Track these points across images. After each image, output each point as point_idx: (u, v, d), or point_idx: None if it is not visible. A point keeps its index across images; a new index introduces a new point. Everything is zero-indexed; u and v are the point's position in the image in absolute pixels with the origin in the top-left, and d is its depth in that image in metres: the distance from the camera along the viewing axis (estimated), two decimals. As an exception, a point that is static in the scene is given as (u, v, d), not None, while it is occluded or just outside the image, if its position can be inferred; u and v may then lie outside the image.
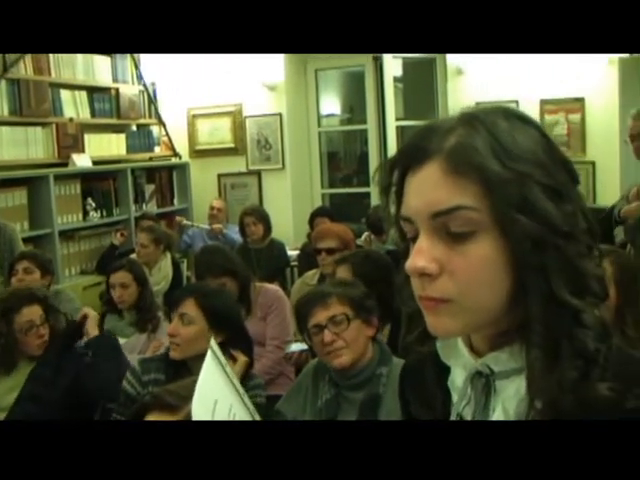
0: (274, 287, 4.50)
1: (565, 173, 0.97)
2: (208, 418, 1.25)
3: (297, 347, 3.95)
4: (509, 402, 0.99)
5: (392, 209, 1.03)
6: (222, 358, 1.40)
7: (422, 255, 0.94)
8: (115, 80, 7.09)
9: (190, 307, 2.88)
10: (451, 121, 0.97)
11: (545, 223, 0.91)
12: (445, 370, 1.10)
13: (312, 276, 4.65)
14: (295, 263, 6.49)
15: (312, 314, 2.65)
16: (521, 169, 0.92)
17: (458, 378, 1.07)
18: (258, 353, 3.74)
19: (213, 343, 1.39)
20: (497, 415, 1.00)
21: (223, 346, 2.90)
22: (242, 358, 2.89)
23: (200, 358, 2.81)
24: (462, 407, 1.05)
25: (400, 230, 1.03)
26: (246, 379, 2.87)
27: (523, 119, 0.98)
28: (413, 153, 0.98)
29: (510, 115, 0.98)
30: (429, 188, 0.95)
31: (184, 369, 2.79)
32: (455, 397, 1.07)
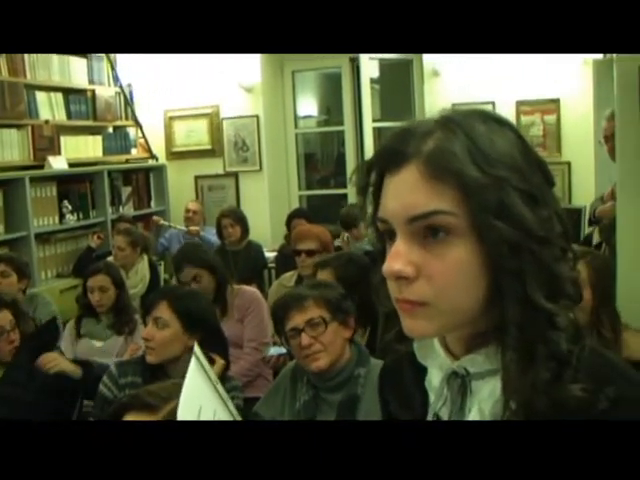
0: (252, 289, 4.50)
1: (541, 175, 0.98)
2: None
3: (275, 351, 3.94)
4: (485, 403, 1.00)
5: (369, 210, 1.04)
6: (206, 364, 1.40)
7: (399, 258, 0.95)
8: (91, 82, 7.04)
9: (164, 310, 2.87)
10: (429, 124, 0.98)
11: (521, 228, 0.92)
12: (423, 370, 1.11)
13: (289, 278, 4.65)
14: (273, 265, 6.48)
15: (289, 317, 2.64)
16: (498, 174, 0.93)
17: (435, 378, 1.08)
18: (235, 355, 3.74)
19: (197, 349, 1.39)
20: (473, 415, 1.01)
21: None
22: (219, 361, 2.88)
23: (177, 361, 2.82)
24: (439, 407, 1.06)
25: (377, 230, 1.04)
26: (223, 381, 2.85)
27: (499, 122, 0.99)
28: (391, 156, 0.98)
29: (487, 118, 0.98)
30: (407, 192, 0.95)
31: (161, 372, 2.78)
32: (432, 397, 1.08)
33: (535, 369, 0.93)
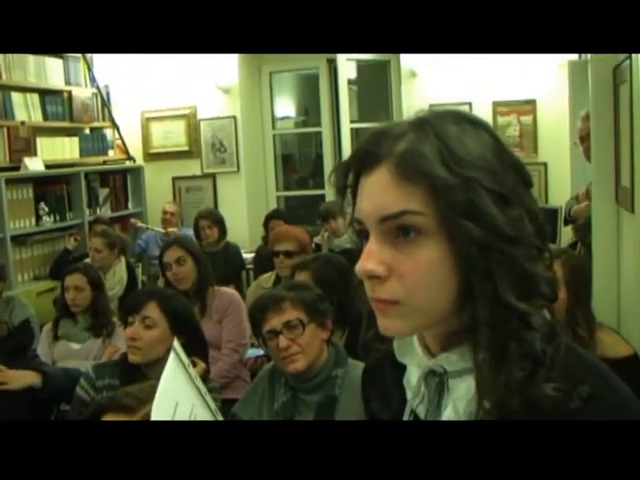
0: (230, 290, 4.50)
1: (515, 176, 0.99)
2: (168, 419, 1.24)
3: (253, 353, 3.95)
4: (459, 401, 1.00)
5: (349, 210, 1.06)
6: (185, 359, 1.40)
7: (371, 258, 0.97)
8: (68, 83, 7.00)
9: (153, 310, 2.85)
10: (403, 126, 0.99)
11: (490, 228, 0.93)
12: (403, 369, 1.12)
13: (267, 279, 4.65)
14: (251, 266, 6.47)
15: (266, 319, 2.64)
16: (468, 175, 0.93)
17: (413, 376, 1.09)
18: (214, 357, 3.73)
19: (176, 344, 1.38)
20: (448, 413, 1.02)
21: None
22: (201, 364, 2.87)
23: (155, 363, 2.80)
24: (416, 405, 1.07)
25: (355, 230, 1.05)
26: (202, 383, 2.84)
27: (474, 123, 1.00)
28: (365, 157, 1.00)
29: (461, 119, 0.99)
30: (378, 192, 0.97)
31: (139, 374, 2.76)
32: (409, 395, 1.10)
33: (508, 368, 0.93)
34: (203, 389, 1.43)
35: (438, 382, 1.04)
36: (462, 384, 1.01)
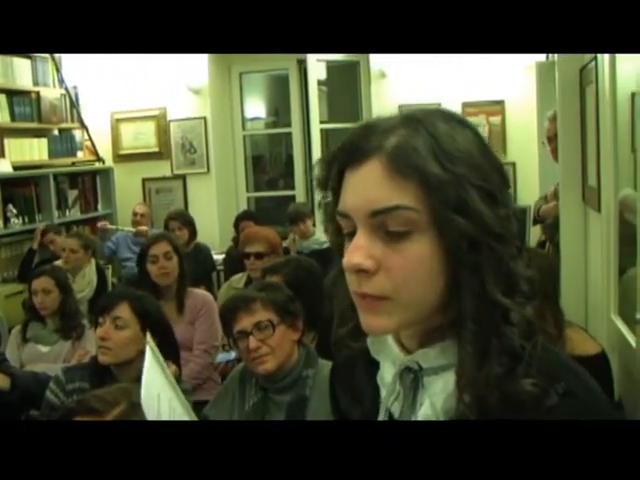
0: (202, 292, 4.49)
1: (499, 176, 1.00)
2: (155, 412, 1.25)
3: (224, 357, 3.94)
4: (436, 397, 1.01)
5: (330, 205, 1.05)
6: (159, 354, 1.40)
7: (359, 251, 0.96)
8: (36, 83, 6.94)
9: (124, 311, 2.83)
10: (391, 121, 0.99)
11: (480, 224, 0.94)
12: (375, 366, 1.12)
13: (239, 280, 4.64)
14: (221, 267, 6.46)
15: (237, 320, 2.63)
16: (459, 171, 0.94)
17: (387, 374, 1.09)
18: (185, 358, 3.72)
19: (149, 339, 1.39)
20: (424, 410, 1.02)
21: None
22: (172, 367, 2.86)
23: (128, 364, 2.78)
24: (390, 402, 1.07)
25: (335, 226, 1.05)
26: (173, 385, 2.84)
27: (461, 122, 1.01)
28: (353, 151, 0.99)
29: (449, 118, 1.00)
30: (369, 186, 0.96)
31: (109, 377, 2.75)
32: (384, 392, 1.09)
33: (489, 364, 0.95)
34: (174, 383, 1.44)
35: (413, 379, 1.04)
36: (438, 381, 1.01)
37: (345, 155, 1.00)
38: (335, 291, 1.10)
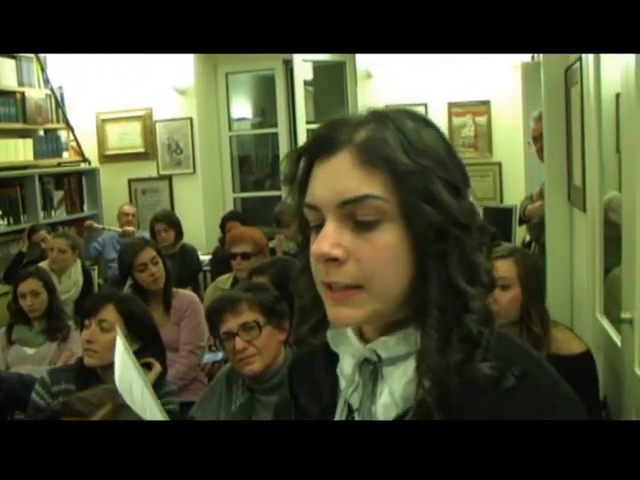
0: (188, 292, 4.49)
1: (461, 174, 1.03)
2: (129, 400, 1.25)
3: (210, 358, 3.94)
4: (395, 385, 1.03)
5: (296, 199, 1.06)
6: (128, 346, 1.40)
7: (328, 240, 0.97)
8: (21, 84, 6.90)
9: (110, 313, 2.83)
10: (361, 116, 1.02)
11: (447, 214, 0.97)
12: (334, 360, 1.13)
13: (225, 280, 4.64)
14: (208, 268, 6.45)
15: (223, 321, 2.63)
16: (426, 164, 0.97)
17: (347, 366, 1.11)
18: (172, 359, 3.71)
19: (118, 331, 1.39)
20: (384, 398, 1.04)
21: (139, 353, 2.86)
22: (157, 367, 2.86)
23: (112, 366, 2.76)
24: (349, 393, 1.08)
25: (301, 220, 1.06)
26: (159, 386, 2.83)
27: (426, 122, 1.04)
28: (323, 143, 1.01)
29: (415, 117, 1.03)
30: (339, 177, 0.98)
31: (95, 378, 2.74)
32: (343, 384, 1.11)
33: (450, 350, 0.97)
34: (144, 377, 1.44)
35: (372, 370, 1.06)
36: (396, 371, 1.03)
37: (315, 148, 1.02)
38: (296, 288, 1.12)
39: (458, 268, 0.98)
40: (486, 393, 0.96)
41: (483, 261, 1.02)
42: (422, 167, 0.96)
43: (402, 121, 1.00)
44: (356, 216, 0.97)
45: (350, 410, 1.09)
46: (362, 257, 0.97)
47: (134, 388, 1.30)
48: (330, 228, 0.98)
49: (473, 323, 0.98)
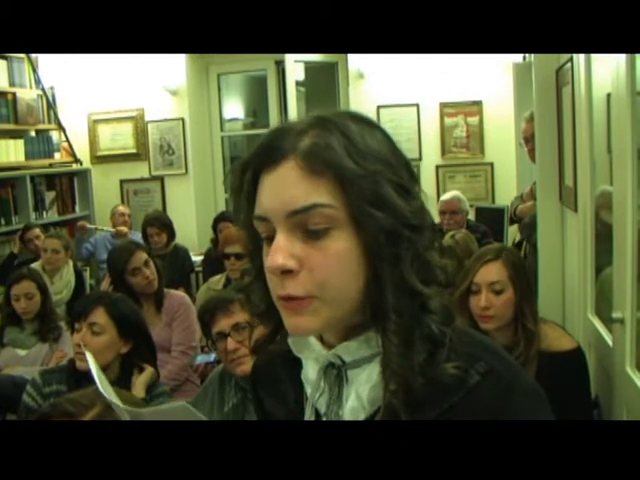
0: (179, 293, 4.48)
1: (408, 172, 1.02)
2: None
3: (203, 359, 3.93)
4: (362, 388, 1.03)
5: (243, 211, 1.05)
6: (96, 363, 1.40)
7: (281, 252, 0.97)
8: (12, 84, 6.88)
9: (100, 316, 2.82)
10: (303, 123, 1.01)
11: (397, 217, 0.97)
12: (297, 365, 1.14)
13: (217, 281, 4.63)
14: (200, 269, 6.44)
15: (215, 321, 2.63)
16: (372, 167, 0.97)
17: (311, 371, 1.11)
18: (163, 359, 3.71)
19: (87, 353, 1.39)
20: (351, 402, 1.04)
21: (130, 355, 2.85)
22: (149, 368, 2.86)
23: (104, 369, 2.76)
24: (316, 399, 1.08)
25: (251, 231, 1.05)
26: (151, 387, 2.83)
27: (370, 123, 1.03)
28: (267, 153, 1.00)
29: (358, 119, 1.02)
30: (285, 187, 0.97)
31: (86, 379, 2.72)
32: (309, 390, 1.11)
33: (412, 351, 0.97)
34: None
35: (337, 374, 1.06)
36: (362, 374, 1.03)
37: (260, 158, 1.01)
38: (250, 299, 1.12)
39: (412, 269, 0.98)
40: (452, 392, 0.97)
41: (437, 259, 1.02)
42: (369, 171, 0.96)
43: (346, 125, 0.99)
44: (306, 225, 0.97)
45: (318, 415, 1.09)
46: (314, 266, 0.97)
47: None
48: (281, 240, 0.97)
49: (434, 323, 0.99)
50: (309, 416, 1.09)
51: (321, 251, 0.97)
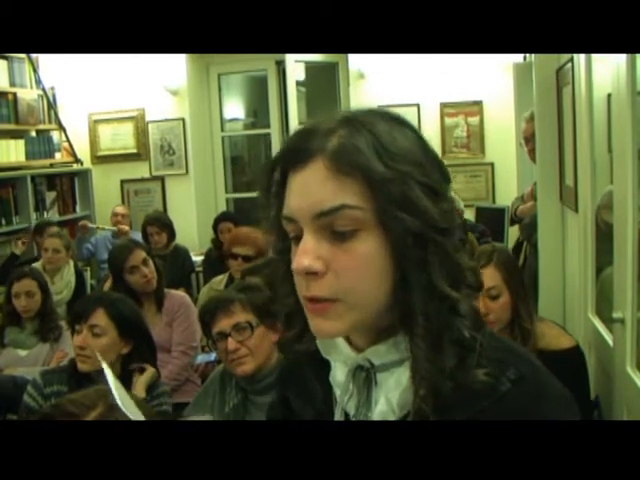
0: (180, 293, 4.49)
1: (439, 172, 1.01)
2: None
3: (203, 358, 3.93)
4: (392, 393, 1.02)
5: (272, 211, 1.05)
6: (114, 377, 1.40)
7: (308, 254, 0.96)
8: (12, 84, 6.88)
9: (100, 318, 2.81)
10: (331, 122, 0.99)
11: (425, 220, 0.95)
12: (324, 366, 1.13)
13: (219, 281, 4.64)
14: (200, 269, 6.44)
15: (216, 321, 2.63)
16: (402, 168, 0.95)
17: (339, 373, 1.10)
18: (164, 360, 3.71)
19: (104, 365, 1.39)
20: (380, 406, 1.03)
21: (130, 355, 2.85)
22: (150, 369, 2.85)
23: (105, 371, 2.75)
24: (346, 401, 1.07)
25: (279, 231, 1.05)
26: (151, 387, 2.83)
27: (400, 121, 1.02)
28: (295, 153, 0.99)
29: (388, 117, 1.01)
30: (313, 188, 0.96)
31: (87, 380, 2.73)
32: (338, 392, 1.10)
33: (442, 356, 0.96)
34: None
35: (365, 377, 1.05)
36: (391, 377, 1.02)
37: (287, 158, 1.00)
38: (278, 296, 1.11)
39: (440, 272, 0.96)
40: (482, 398, 0.96)
41: (466, 261, 1.01)
42: (398, 173, 0.94)
43: (374, 124, 0.98)
44: (333, 227, 0.96)
45: (347, 417, 1.08)
46: (340, 269, 0.96)
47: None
48: (308, 241, 0.97)
49: (464, 327, 0.98)
50: (339, 418, 1.09)
51: (348, 253, 0.96)
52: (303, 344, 1.11)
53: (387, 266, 0.96)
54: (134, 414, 1.25)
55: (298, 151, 0.98)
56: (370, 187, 0.94)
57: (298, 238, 0.99)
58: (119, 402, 1.26)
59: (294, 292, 1.03)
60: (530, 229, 4.64)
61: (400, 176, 0.94)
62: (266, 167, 1.05)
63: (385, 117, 1.00)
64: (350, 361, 1.07)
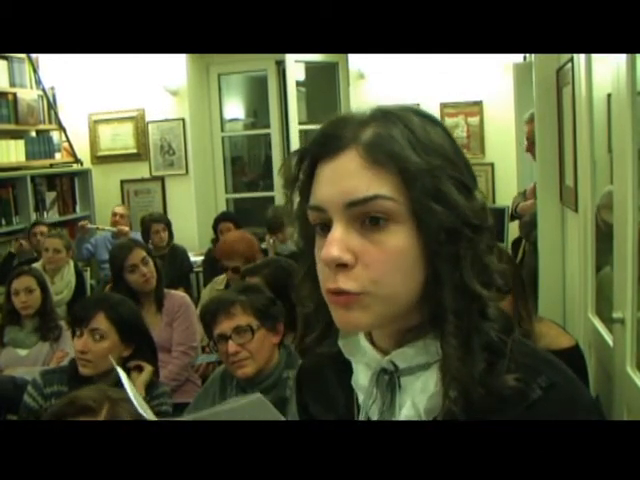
0: (180, 293, 4.49)
1: (469, 173, 0.99)
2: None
3: (205, 358, 3.93)
4: (418, 397, 0.99)
5: (296, 203, 1.03)
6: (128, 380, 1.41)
7: (337, 244, 0.93)
8: (12, 84, 6.88)
9: (101, 322, 2.81)
10: (364, 114, 0.98)
11: (458, 215, 0.93)
12: (346, 369, 1.10)
13: (221, 281, 4.65)
14: (200, 269, 6.44)
15: (217, 323, 2.63)
16: (435, 162, 0.93)
17: (362, 377, 1.07)
18: (164, 360, 3.71)
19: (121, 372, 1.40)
20: (406, 410, 1.00)
21: (131, 357, 2.84)
22: (148, 367, 2.85)
23: (106, 373, 2.75)
24: (369, 406, 1.04)
25: (303, 224, 1.03)
26: (151, 387, 2.83)
27: (432, 118, 1.00)
28: (328, 142, 0.97)
29: (422, 114, 0.99)
30: (345, 177, 0.94)
31: (87, 380, 2.72)
32: (361, 396, 1.07)
33: (472, 358, 0.94)
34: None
35: (389, 381, 1.02)
36: (417, 381, 1.00)
37: (319, 148, 0.98)
38: (299, 296, 1.08)
39: (472, 271, 0.94)
40: (512, 405, 0.93)
41: (495, 263, 0.98)
42: (432, 166, 0.93)
43: (409, 118, 0.96)
44: (365, 218, 0.93)
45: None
46: (370, 261, 0.93)
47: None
48: (338, 231, 0.94)
49: (493, 331, 0.96)
50: None
51: (378, 246, 0.93)
52: (324, 346, 1.09)
53: (418, 261, 0.94)
54: (148, 414, 1.25)
55: (330, 140, 0.96)
56: (404, 179, 0.92)
57: (325, 230, 0.96)
58: (134, 402, 1.26)
59: (315, 292, 1.01)
60: (529, 227, 4.65)
61: (434, 168, 0.93)
62: (294, 156, 1.02)
63: (419, 113, 0.99)
64: (374, 364, 1.04)
